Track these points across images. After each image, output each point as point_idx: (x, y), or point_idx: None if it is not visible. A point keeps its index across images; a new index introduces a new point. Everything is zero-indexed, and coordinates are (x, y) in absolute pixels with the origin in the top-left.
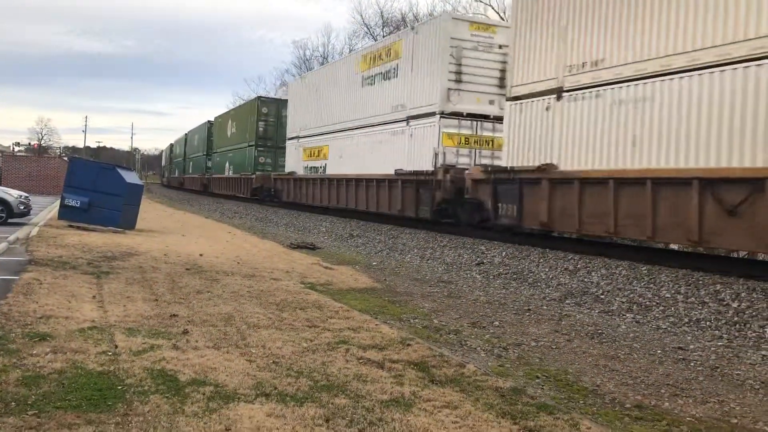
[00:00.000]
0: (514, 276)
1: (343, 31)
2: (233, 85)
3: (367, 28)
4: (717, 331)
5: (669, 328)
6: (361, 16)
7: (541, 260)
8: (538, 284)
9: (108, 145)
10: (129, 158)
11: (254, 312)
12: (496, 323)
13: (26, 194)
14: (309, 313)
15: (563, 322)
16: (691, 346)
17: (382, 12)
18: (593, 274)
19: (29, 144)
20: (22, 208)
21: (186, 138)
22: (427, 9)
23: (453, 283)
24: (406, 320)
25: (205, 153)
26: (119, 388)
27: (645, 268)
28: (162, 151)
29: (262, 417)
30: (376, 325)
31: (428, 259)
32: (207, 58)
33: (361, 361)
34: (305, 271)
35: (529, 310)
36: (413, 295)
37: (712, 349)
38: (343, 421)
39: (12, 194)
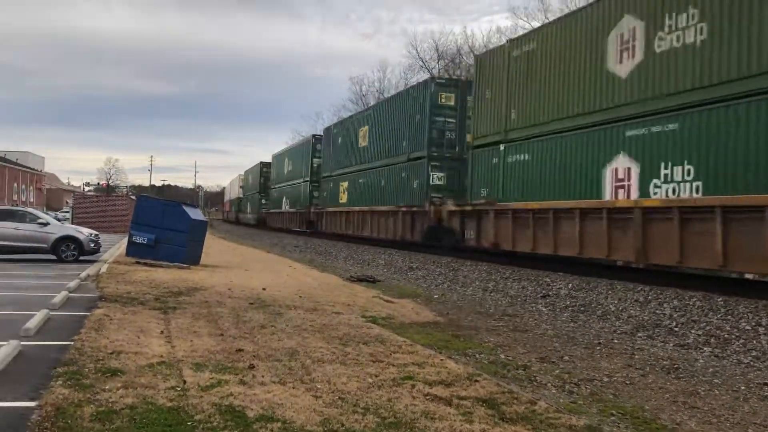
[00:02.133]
0: (582, 308)
1: (399, 66)
2: (292, 121)
3: (423, 62)
4: None
5: (752, 363)
6: (416, 50)
7: (609, 292)
8: (608, 317)
9: (172, 183)
10: (192, 195)
11: (318, 347)
12: (566, 358)
13: (96, 232)
14: (372, 348)
15: (636, 356)
16: None
17: (437, 45)
18: (665, 305)
19: (98, 183)
20: (92, 245)
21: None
22: (483, 40)
23: (518, 317)
24: (472, 355)
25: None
26: (189, 423)
27: (721, 299)
28: (225, 187)
29: None
30: (441, 360)
31: (491, 292)
32: (267, 96)
33: (428, 397)
34: (366, 304)
35: (599, 343)
36: (478, 329)
37: None
38: None
39: (83, 233)
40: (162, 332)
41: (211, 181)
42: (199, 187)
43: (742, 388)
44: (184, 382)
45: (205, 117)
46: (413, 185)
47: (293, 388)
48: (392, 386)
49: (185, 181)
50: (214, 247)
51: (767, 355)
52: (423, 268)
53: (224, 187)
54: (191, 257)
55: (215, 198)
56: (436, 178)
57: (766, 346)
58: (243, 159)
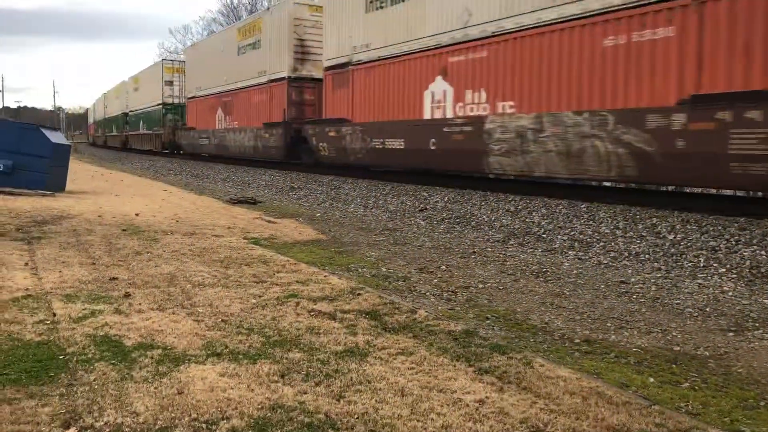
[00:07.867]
0: (458, 220)
1: None
2: (158, 35)
3: None
4: (656, 263)
5: (610, 263)
6: None
7: (483, 203)
8: (482, 227)
9: (29, 105)
10: (53, 117)
11: (198, 270)
12: (443, 267)
13: None
14: (255, 269)
15: (508, 263)
16: (632, 279)
17: None
18: (534, 214)
19: None
20: None
21: None
22: None
23: (398, 231)
24: (354, 270)
25: None
26: (61, 357)
27: (584, 205)
28: (88, 108)
29: (215, 377)
30: (325, 276)
31: (372, 208)
32: (127, 7)
33: (312, 313)
34: (247, 225)
35: (474, 252)
36: (359, 245)
37: (652, 280)
38: (299, 375)
39: None
40: (26, 264)
41: (73, 102)
42: (59, 108)
43: (602, 286)
44: (54, 314)
45: (62, 32)
46: None
47: (173, 314)
48: (276, 305)
49: (44, 102)
50: (79, 172)
51: (623, 256)
52: (305, 187)
53: (87, 109)
54: (55, 184)
55: (78, 120)
56: None
57: (622, 247)
58: (107, 77)
